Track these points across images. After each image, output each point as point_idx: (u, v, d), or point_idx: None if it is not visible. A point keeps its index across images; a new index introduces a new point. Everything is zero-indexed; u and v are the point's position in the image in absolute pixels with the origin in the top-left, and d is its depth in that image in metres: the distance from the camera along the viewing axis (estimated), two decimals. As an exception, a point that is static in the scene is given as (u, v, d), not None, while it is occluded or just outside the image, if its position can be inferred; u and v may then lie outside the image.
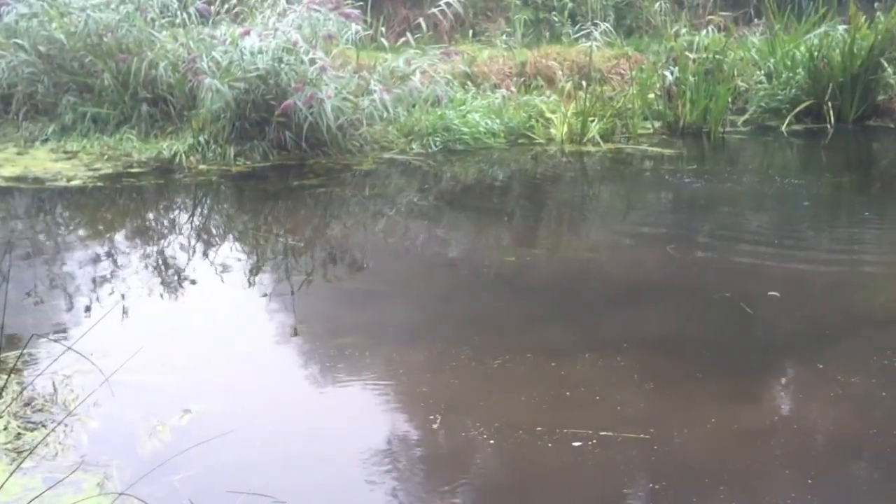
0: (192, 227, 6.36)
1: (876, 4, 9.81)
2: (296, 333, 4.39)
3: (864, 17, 9.15)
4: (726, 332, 4.35)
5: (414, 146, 8.09)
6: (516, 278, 5.18)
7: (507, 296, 4.92)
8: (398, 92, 8.27)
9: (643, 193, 7.19)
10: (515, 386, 3.74)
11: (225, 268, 5.32)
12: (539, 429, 3.34)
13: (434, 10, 10.17)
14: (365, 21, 9.15)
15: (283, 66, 7.66)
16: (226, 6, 9.14)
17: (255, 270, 5.37)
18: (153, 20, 8.64)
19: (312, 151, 7.69)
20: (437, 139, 8.12)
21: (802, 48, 9.31)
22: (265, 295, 4.93)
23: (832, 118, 8.94)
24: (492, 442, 3.30)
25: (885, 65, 8.97)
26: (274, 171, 7.42)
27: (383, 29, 9.66)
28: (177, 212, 6.81)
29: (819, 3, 9.98)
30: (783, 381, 3.89)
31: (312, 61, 7.73)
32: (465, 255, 5.69)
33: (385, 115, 8.03)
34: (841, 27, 9.33)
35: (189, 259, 5.55)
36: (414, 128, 8.21)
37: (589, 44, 9.63)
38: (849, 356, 3.99)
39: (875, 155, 8.72)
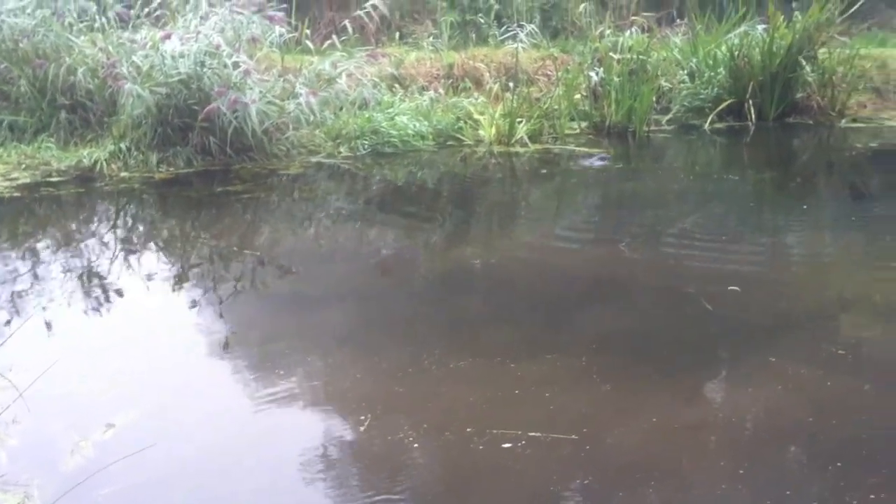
0: (114, 237, 6.20)
1: (793, 4, 10.04)
2: (225, 342, 4.30)
3: (783, 16, 9.35)
4: (685, 327, 4.37)
5: (342, 149, 8.03)
6: (459, 280, 5.16)
7: (449, 298, 4.89)
8: (325, 95, 8.20)
9: (577, 193, 7.24)
10: (451, 388, 3.72)
11: (150, 277, 5.20)
12: (469, 430, 3.32)
13: (360, 12, 10.12)
14: (289, 24, 9.06)
15: (205, 70, 7.53)
16: (146, 10, 8.95)
17: (180, 279, 5.25)
18: (71, 25, 8.42)
19: (238, 156, 7.57)
20: (366, 142, 8.07)
21: (723, 48, 9.48)
22: (192, 304, 4.84)
23: (753, 116, 9.13)
24: (416, 446, 3.27)
25: (803, 63, 9.18)
26: (198, 178, 7.29)
27: (308, 31, 9.57)
28: (99, 221, 6.64)
29: (739, 4, 10.18)
30: (732, 375, 3.90)
31: (236, 65, 7.62)
32: (399, 258, 5.66)
33: (312, 118, 7.95)
34: (760, 27, 9.53)
35: (112, 269, 5.40)
36: (341, 131, 8.15)
37: (515, 45, 9.66)
38: (800, 348, 4.04)
39: (796, 151, 8.93)
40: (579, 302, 4.76)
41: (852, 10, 9.67)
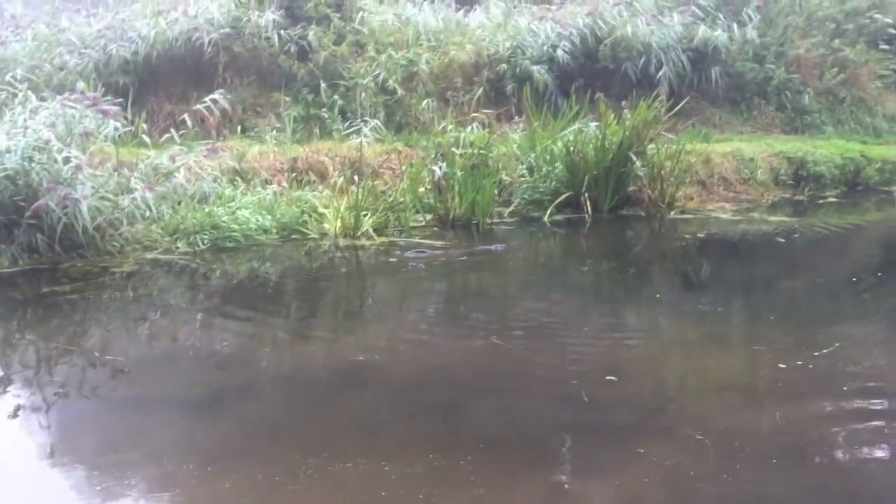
0: (-74, 342, 5.72)
1: (623, 103, 10.55)
2: (52, 453, 3.99)
3: (613, 114, 9.83)
4: (560, 421, 4.34)
5: (180, 245, 7.77)
6: (310, 381, 4.98)
7: (300, 401, 4.70)
8: (162, 189, 7.96)
9: (428, 286, 7.18)
10: (309, 496, 3.55)
11: (-35, 386, 4.80)
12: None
13: (200, 106, 9.98)
14: (125, 118, 8.82)
15: (33, 165, 7.20)
16: (-30, 103, 8.54)
17: (2, 387, 4.86)
18: None
19: (67, 254, 7.20)
20: (205, 237, 7.84)
21: (559, 144, 9.84)
22: (15, 414, 4.47)
23: (589, 208, 9.46)
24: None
25: (634, 158, 9.63)
26: (24, 277, 6.87)
27: (146, 125, 9.34)
28: None
29: (572, 102, 10.63)
30: (600, 468, 3.87)
31: (67, 160, 7.32)
32: (246, 358, 5.42)
33: (148, 213, 7.69)
34: (593, 124, 9.95)
35: (-79, 379, 4.96)
36: (179, 226, 7.90)
37: (360, 139, 9.73)
38: (666, 437, 4.09)
39: (632, 242, 9.25)
40: (454, 398, 4.66)
41: (677, 108, 10.30)
